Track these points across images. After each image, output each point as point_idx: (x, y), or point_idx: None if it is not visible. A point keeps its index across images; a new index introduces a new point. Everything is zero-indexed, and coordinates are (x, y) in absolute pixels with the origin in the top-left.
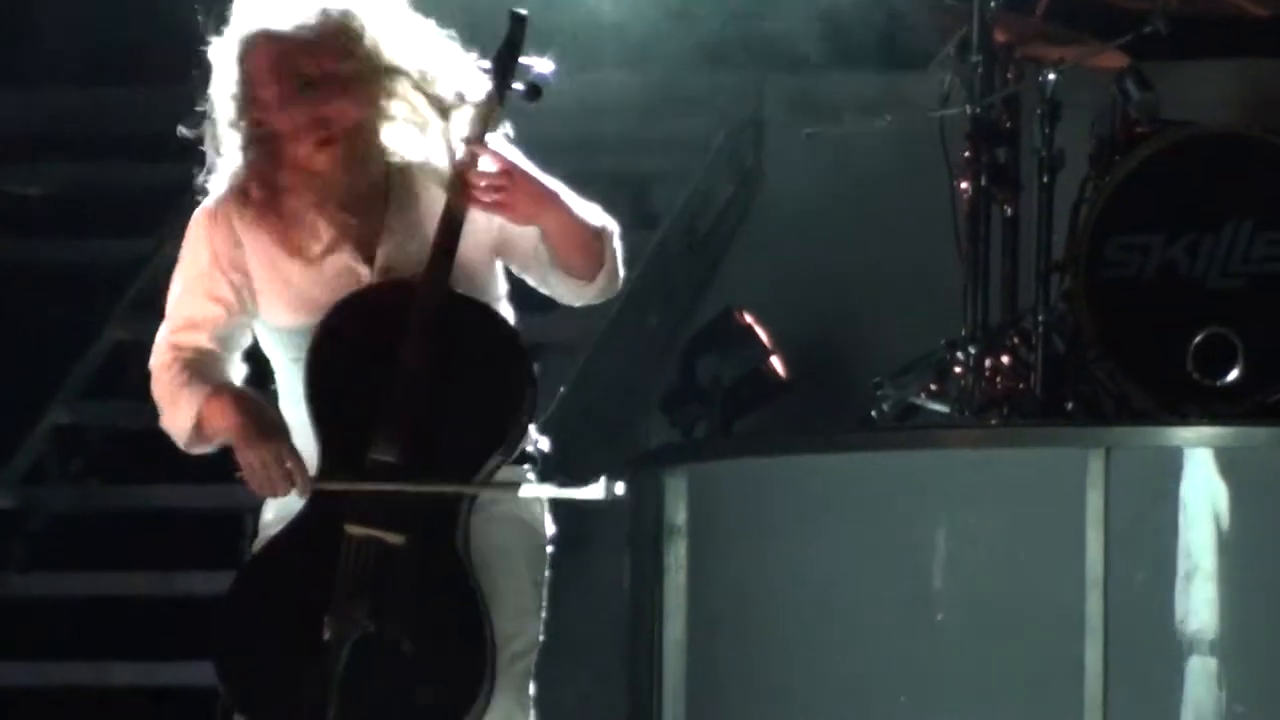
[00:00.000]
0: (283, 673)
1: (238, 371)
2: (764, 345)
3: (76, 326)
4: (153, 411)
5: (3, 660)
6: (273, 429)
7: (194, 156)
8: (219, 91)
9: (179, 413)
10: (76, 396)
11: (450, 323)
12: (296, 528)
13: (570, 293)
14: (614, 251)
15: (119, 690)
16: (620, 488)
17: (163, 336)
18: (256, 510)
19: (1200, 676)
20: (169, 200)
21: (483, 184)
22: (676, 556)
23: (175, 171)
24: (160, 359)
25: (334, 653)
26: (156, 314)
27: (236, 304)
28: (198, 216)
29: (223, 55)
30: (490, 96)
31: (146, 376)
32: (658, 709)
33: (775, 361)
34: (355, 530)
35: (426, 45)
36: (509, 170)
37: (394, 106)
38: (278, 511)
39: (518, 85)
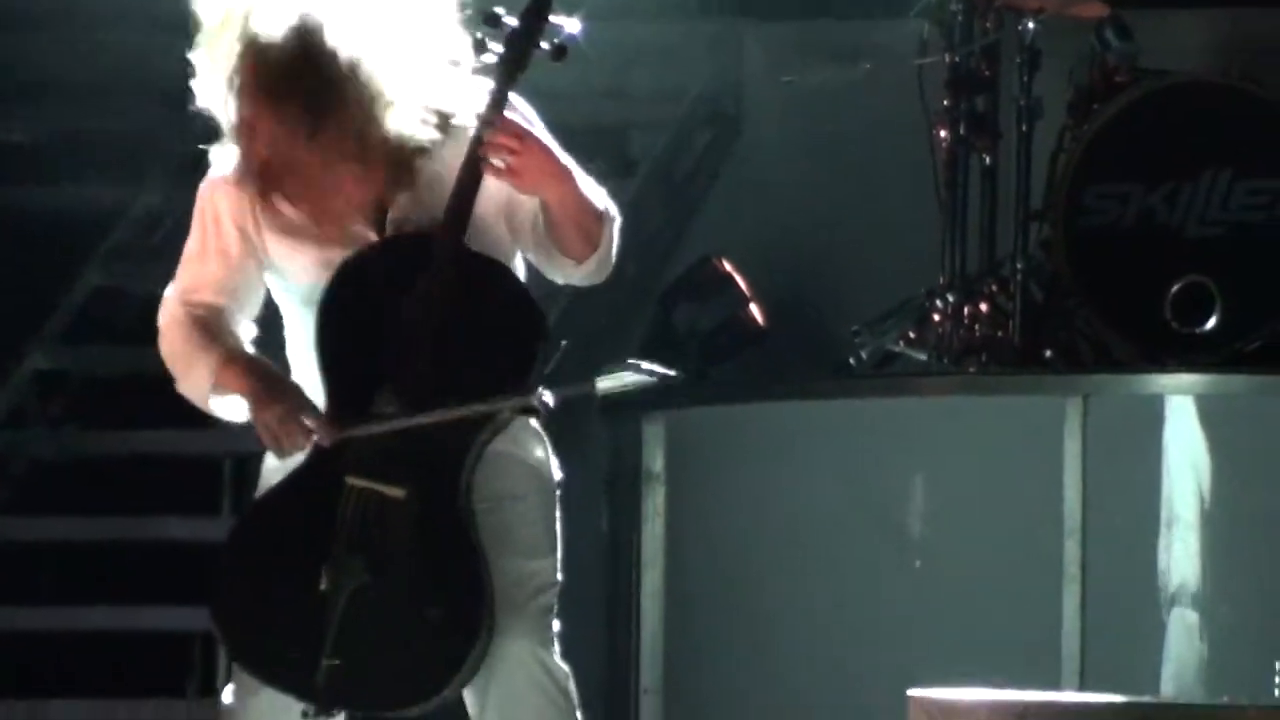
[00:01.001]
0: (278, 622)
1: (248, 330)
2: (742, 293)
3: (56, 272)
4: (131, 356)
5: None
6: (284, 389)
7: (175, 104)
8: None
9: (194, 375)
10: (56, 341)
11: (462, 277)
12: (297, 477)
13: (559, 271)
14: (611, 238)
15: (97, 634)
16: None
17: (173, 293)
18: (235, 456)
19: (1179, 625)
20: (150, 147)
21: (495, 146)
22: (654, 503)
23: (156, 118)
24: (171, 315)
25: (331, 603)
26: (136, 260)
27: (249, 265)
28: (209, 181)
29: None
30: (509, 61)
31: (126, 321)
32: (636, 654)
33: (753, 309)
34: (356, 482)
35: (419, 55)
36: (522, 136)
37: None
38: (277, 459)
39: (544, 45)
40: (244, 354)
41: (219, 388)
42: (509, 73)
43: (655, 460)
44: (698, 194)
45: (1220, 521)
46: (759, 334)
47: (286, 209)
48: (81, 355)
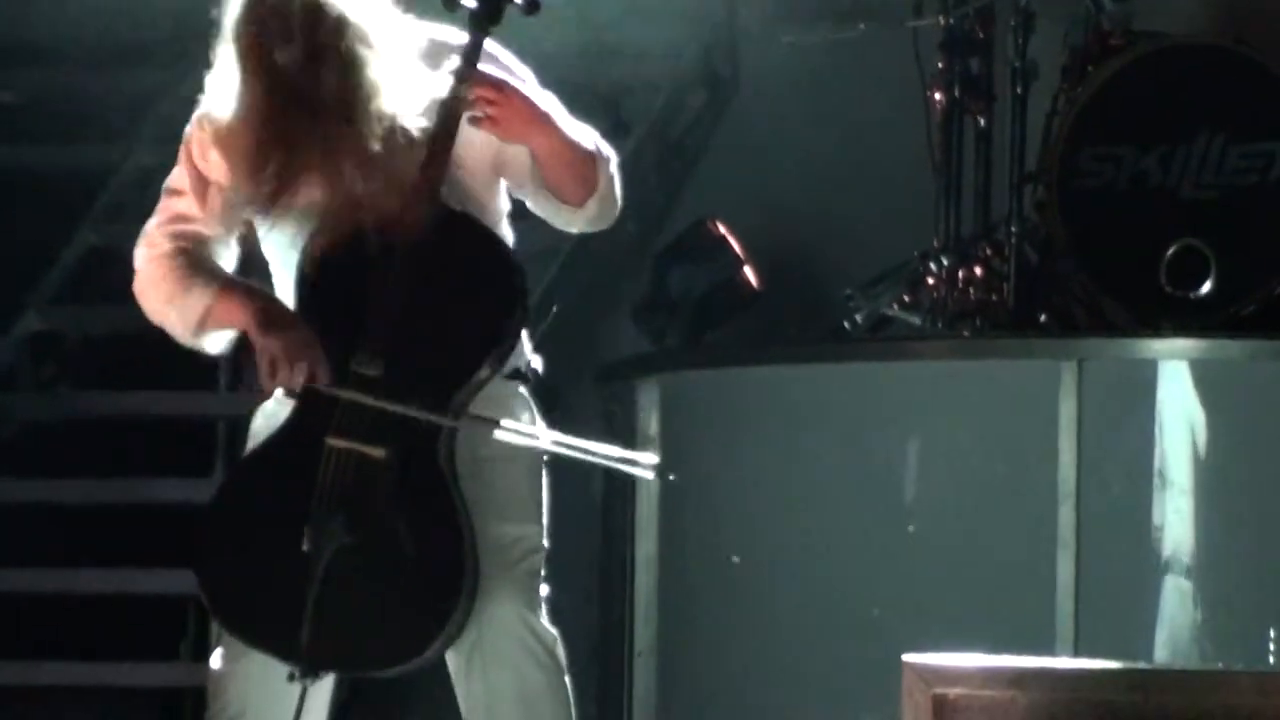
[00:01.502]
0: (260, 582)
1: (231, 259)
2: (736, 255)
3: (50, 232)
4: (126, 317)
5: None
6: (288, 317)
7: (167, 63)
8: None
9: (185, 305)
10: (49, 302)
11: (439, 235)
12: (279, 438)
13: (561, 218)
14: (610, 178)
15: (89, 597)
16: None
17: (154, 224)
18: (229, 418)
19: (1174, 590)
20: (142, 106)
21: (474, 99)
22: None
23: (149, 78)
24: (157, 248)
25: (313, 564)
26: (129, 220)
27: (231, 197)
28: (198, 115)
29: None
30: (481, 15)
31: (119, 282)
32: (630, 622)
33: (747, 271)
34: (336, 442)
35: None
36: (500, 86)
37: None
38: (266, 420)
39: None
40: (243, 282)
41: (213, 319)
42: (481, 25)
43: (650, 424)
44: (692, 156)
45: (1215, 486)
46: (753, 297)
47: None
48: (75, 316)
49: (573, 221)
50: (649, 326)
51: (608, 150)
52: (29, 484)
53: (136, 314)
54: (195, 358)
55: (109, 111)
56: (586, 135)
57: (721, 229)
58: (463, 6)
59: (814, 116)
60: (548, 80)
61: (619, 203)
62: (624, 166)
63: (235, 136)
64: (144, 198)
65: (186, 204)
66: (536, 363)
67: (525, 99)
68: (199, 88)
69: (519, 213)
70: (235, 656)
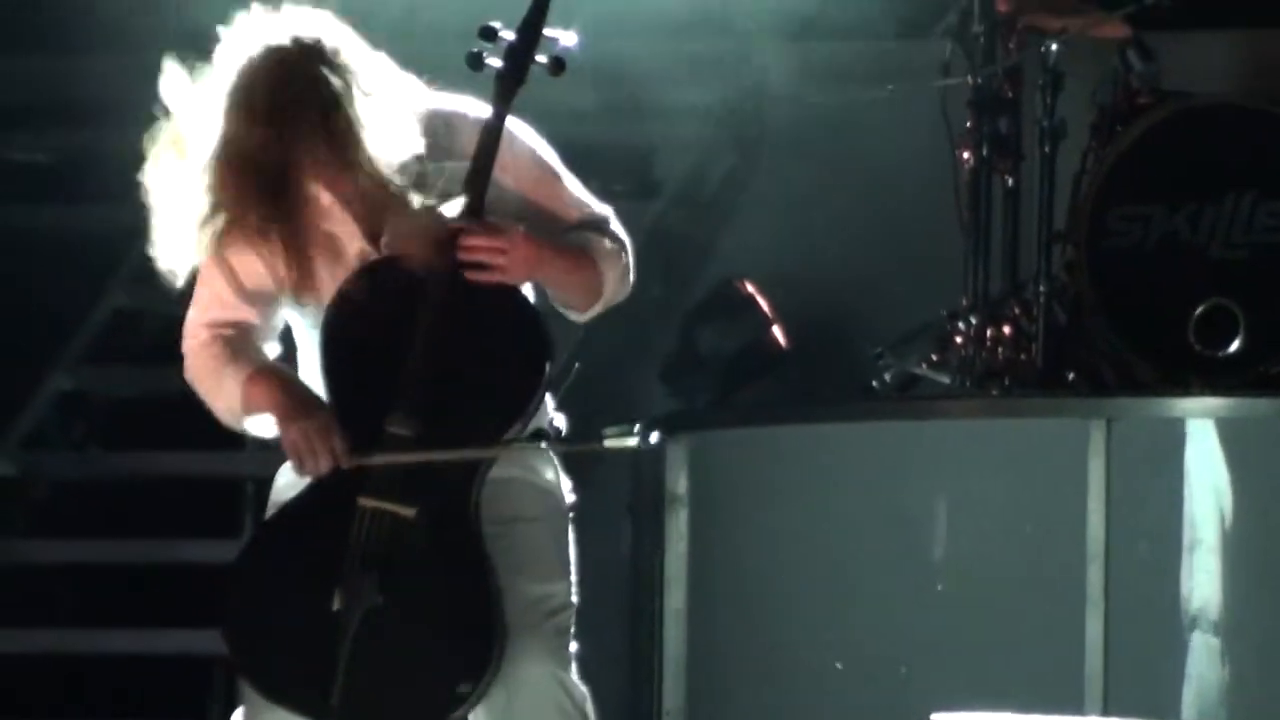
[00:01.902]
0: (290, 641)
1: (273, 349)
2: (765, 315)
3: (78, 292)
4: (154, 378)
5: (3, 627)
6: (313, 405)
7: None
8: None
9: (224, 394)
10: (78, 362)
11: (466, 297)
12: (309, 497)
13: (568, 316)
14: (619, 273)
15: (119, 657)
16: (654, 437)
17: (194, 315)
18: (257, 479)
19: (1202, 649)
20: None
21: (475, 253)
22: (677, 526)
23: None
24: (196, 339)
25: (343, 624)
26: (157, 281)
27: (265, 281)
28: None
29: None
30: (507, 77)
31: (148, 343)
32: (659, 679)
33: (776, 331)
34: (368, 502)
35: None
36: (500, 233)
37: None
38: (288, 478)
39: (541, 58)
40: (272, 368)
41: (248, 406)
42: (508, 86)
43: (678, 483)
44: (721, 215)
45: (1243, 545)
46: (781, 356)
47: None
48: (103, 376)
49: (579, 319)
50: (678, 386)
51: (614, 246)
52: (58, 544)
53: (163, 374)
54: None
55: (137, 172)
56: (601, 236)
57: (750, 288)
58: (489, 67)
59: (842, 176)
60: (578, 139)
61: (630, 285)
62: (653, 226)
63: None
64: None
65: (216, 292)
66: (560, 421)
67: (526, 242)
68: None
69: None
70: (258, 713)
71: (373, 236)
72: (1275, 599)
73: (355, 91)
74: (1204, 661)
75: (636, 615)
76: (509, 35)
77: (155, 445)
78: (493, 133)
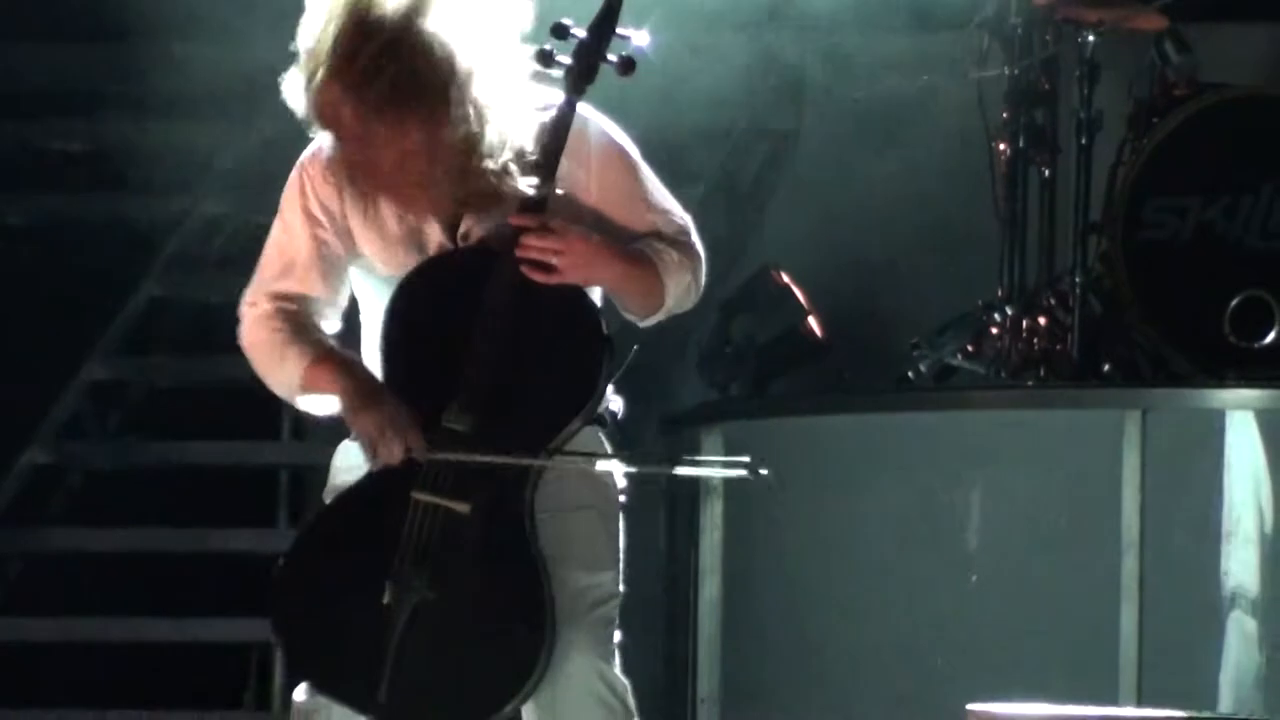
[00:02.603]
0: (339, 633)
1: (333, 325)
2: (800, 305)
3: (114, 282)
4: (189, 368)
5: (40, 615)
6: (381, 393)
7: (232, 116)
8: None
9: (283, 371)
10: (114, 352)
11: (529, 295)
12: (363, 489)
13: (626, 317)
14: (685, 286)
15: (154, 646)
16: (676, 469)
17: (257, 283)
18: (292, 467)
19: (1237, 640)
20: (207, 158)
21: (534, 253)
22: (712, 516)
23: (215, 129)
24: (258, 308)
25: (393, 617)
26: (192, 270)
27: (336, 252)
28: (300, 163)
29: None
30: (577, 74)
31: (183, 332)
32: (694, 668)
33: (812, 321)
34: (422, 496)
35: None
36: (561, 237)
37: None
38: (345, 458)
39: (611, 58)
40: (336, 353)
41: (307, 388)
42: (576, 86)
43: None
44: (758, 206)
45: (1278, 536)
46: (817, 347)
47: (371, 197)
48: (139, 366)
49: (638, 323)
50: (714, 376)
51: (682, 259)
52: (95, 532)
53: (199, 364)
54: (259, 408)
55: (174, 162)
56: (672, 248)
57: (785, 279)
58: (559, 64)
59: (878, 168)
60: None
61: (697, 296)
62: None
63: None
64: (208, 249)
65: (288, 259)
66: (616, 404)
67: (584, 244)
68: (264, 140)
69: None
70: (315, 695)
71: (455, 218)
72: None
73: (467, 61)
74: (1239, 651)
75: (672, 604)
76: (580, 33)
77: (190, 435)
78: (560, 129)
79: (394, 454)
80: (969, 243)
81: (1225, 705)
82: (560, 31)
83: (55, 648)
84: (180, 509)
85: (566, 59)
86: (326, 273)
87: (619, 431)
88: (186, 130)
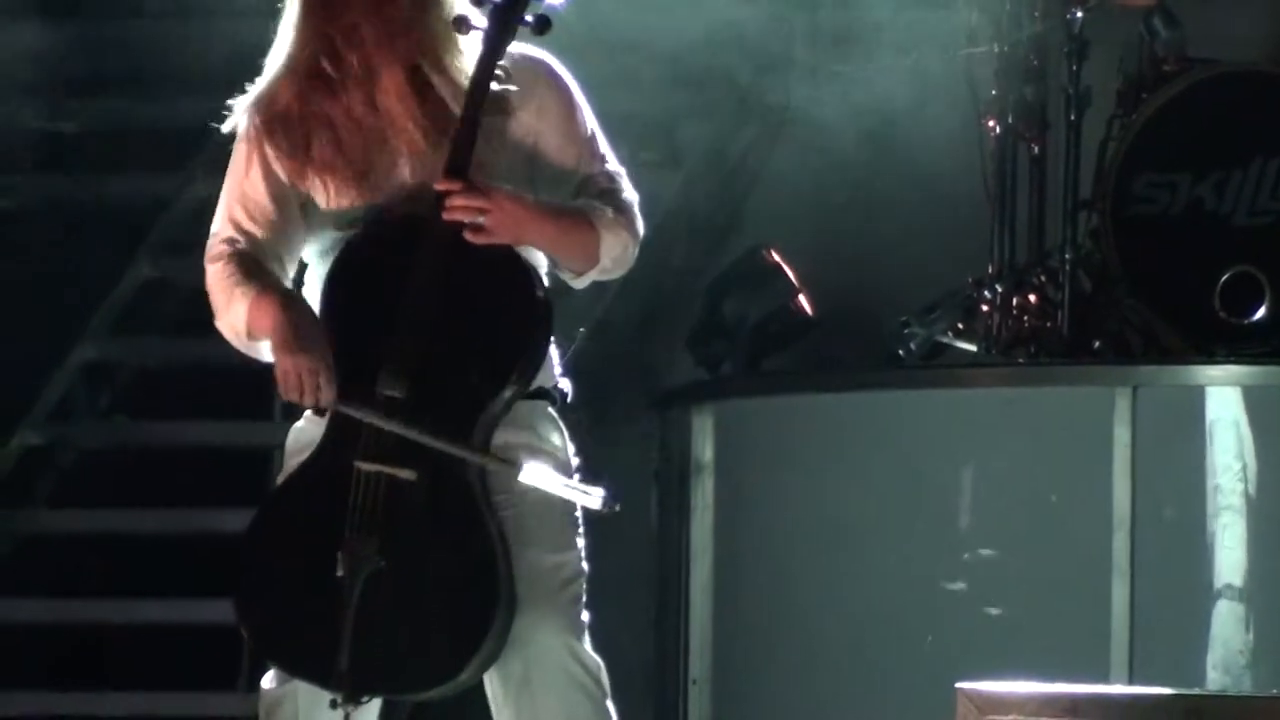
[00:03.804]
0: (297, 609)
1: (291, 267)
2: (790, 283)
3: (105, 263)
4: (181, 349)
5: (32, 596)
6: (310, 338)
7: (224, 94)
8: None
9: (231, 312)
10: (105, 333)
11: (459, 256)
12: (310, 464)
13: (567, 280)
14: (621, 247)
15: (147, 627)
16: (617, 506)
17: (215, 228)
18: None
19: (1228, 615)
20: (197, 137)
21: (460, 213)
22: (703, 494)
23: (205, 108)
24: (214, 253)
25: (348, 589)
26: (183, 251)
27: (290, 194)
28: (248, 109)
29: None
30: (492, 37)
31: (175, 312)
32: (685, 647)
33: (802, 299)
34: (365, 466)
35: None
36: (486, 196)
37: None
38: (297, 438)
39: (526, 17)
40: (280, 290)
41: (253, 328)
42: (492, 48)
43: (704, 451)
44: (746, 184)
45: (1269, 511)
46: (808, 324)
47: (323, 147)
48: (130, 347)
49: (576, 284)
50: (704, 355)
51: (616, 215)
52: (86, 513)
53: (191, 345)
54: (251, 389)
55: (164, 142)
56: (605, 200)
57: (775, 257)
58: (474, 28)
59: (867, 144)
60: (602, 108)
61: (633, 254)
62: (678, 194)
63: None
64: (200, 229)
65: (240, 205)
66: (565, 385)
67: (512, 203)
68: None
69: None
70: (285, 679)
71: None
72: None
73: None
74: (1229, 627)
75: (663, 584)
76: None
77: (183, 416)
78: (478, 90)
79: (309, 397)
80: (958, 220)
81: (1215, 680)
82: None
83: (47, 629)
84: (172, 490)
85: (482, 21)
86: (281, 214)
87: (569, 411)
88: (176, 109)
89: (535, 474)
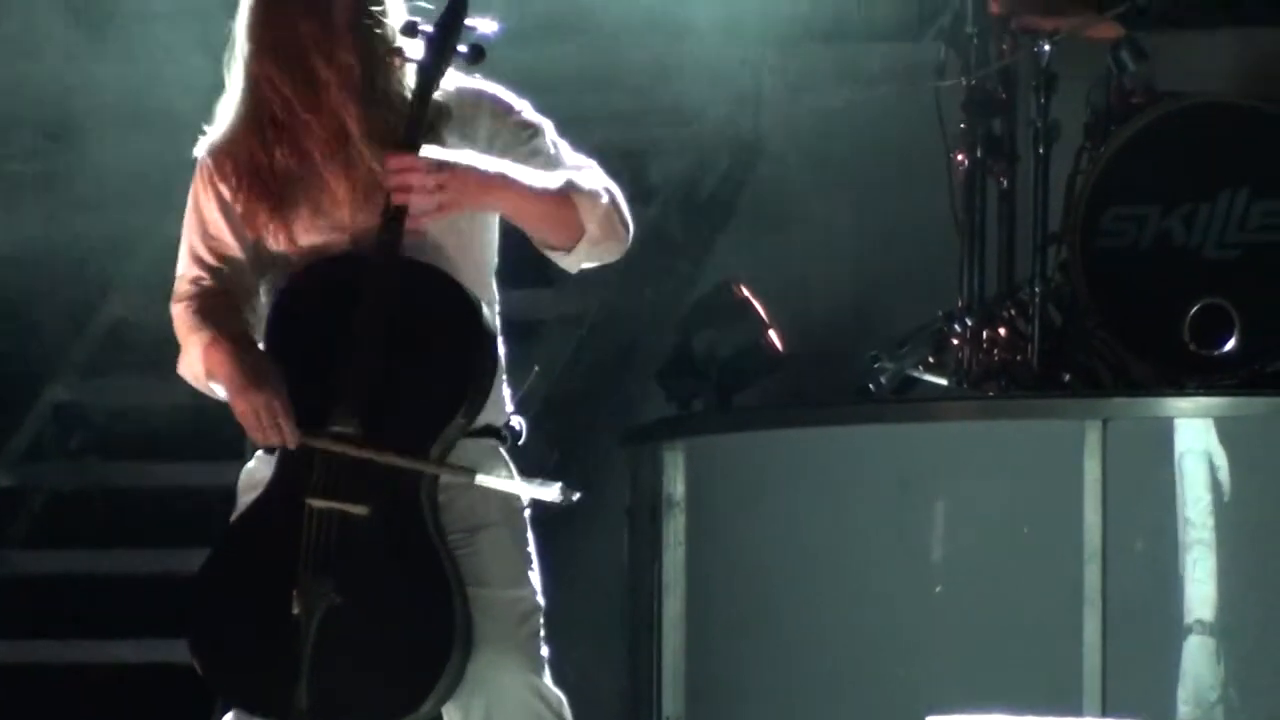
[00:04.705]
0: (253, 649)
1: (260, 299)
2: (761, 318)
3: (76, 304)
4: (152, 390)
5: (4, 638)
6: (264, 378)
7: (195, 134)
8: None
9: (189, 357)
10: (76, 374)
11: (402, 291)
12: (262, 502)
13: (561, 264)
14: (604, 213)
15: (120, 667)
16: (575, 495)
17: (181, 270)
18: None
19: (1199, 648)
20: (167, 177)
21: (410, 184)
22: (675, 530)
23: (173, 148)
24: (178, 293)
25: (303, 626)
26: (155, 292)
27: (240, 228)
28: (199, 159)
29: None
30: (428, 68)
31: (146, 353)
32: (658, 683)
33: (772, 334)
34: (317, 503)
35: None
36: (440, 166)
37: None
38: (249, 478)
39: (460, 48)
40: (235, 335)
41: (209, 370)
42: (428, 81)
43: (676, 487)
44: (717, 218)
45: (1240, 544)
46: (778, 360)
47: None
48: (101, 388)
49: (570, 264)
50: (675, 390)
51: (592, 185)
52: (58, 555)
53: (162, 386)
54: (221, 430)
55: (136, 182)
56: (576, 174)
57: (745, 291)
58: (409, 60)
59: (837, 178)
60: (574, 142)
61: (625, 232)
62: (649, 228)
63: (237, 141)
64: (171, 271)
65: (202, 243)
66: (518, 423)
67: (469, 167)
68: None
69: (547, 278)
70: (247, 716)
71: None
72: (1271, 597)
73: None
74: (1201, 660)
75: (635, 620)
76: (428, 29)
77: (154, 457)
78: (421, 103)
79: (269, 436)
80: (928, 253)
81: (1186, 713)
82: (410, 30)
83: (20, 670)
84: (144, 530)
85: (418, 53)
86: (241, 247)
87: (519, 451)
88: (148, 149)
89: (490, 479)
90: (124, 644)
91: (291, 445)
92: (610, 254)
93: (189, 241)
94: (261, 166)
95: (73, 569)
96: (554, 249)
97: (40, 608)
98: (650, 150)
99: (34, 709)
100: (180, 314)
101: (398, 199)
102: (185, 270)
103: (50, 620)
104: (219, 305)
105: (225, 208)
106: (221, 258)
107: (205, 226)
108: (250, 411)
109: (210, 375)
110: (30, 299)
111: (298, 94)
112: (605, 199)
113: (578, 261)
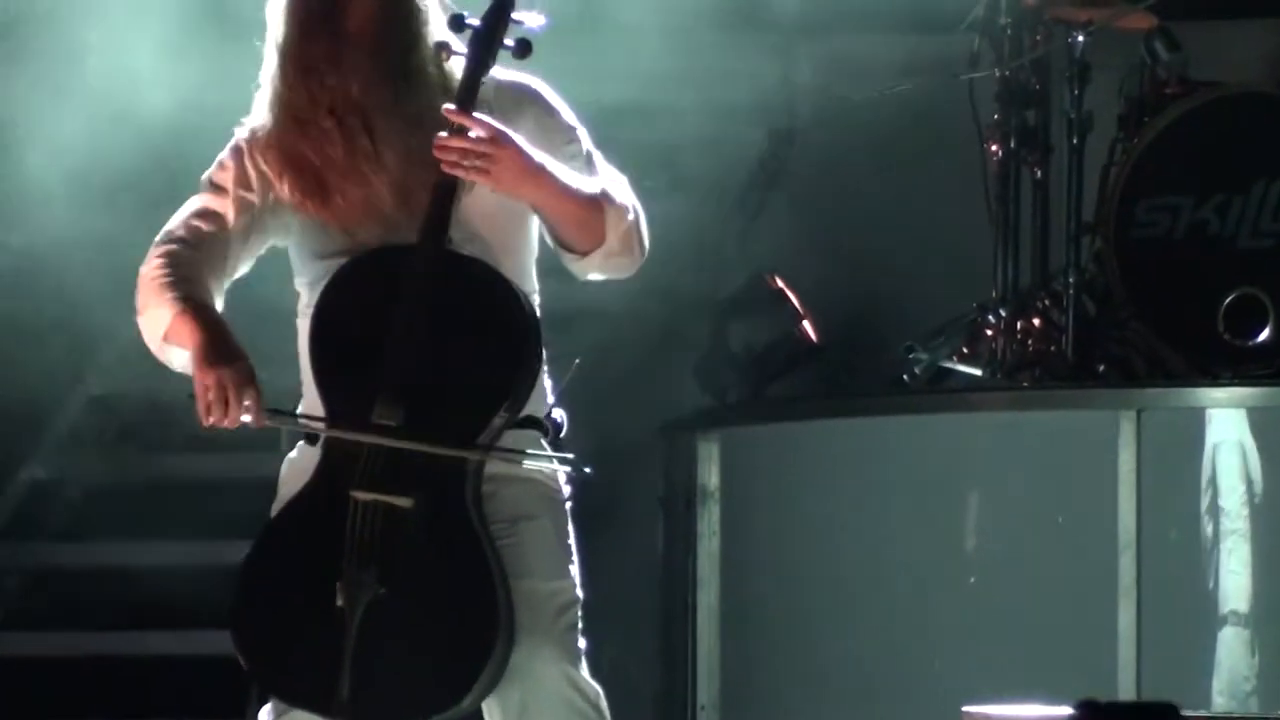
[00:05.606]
0: (297, 641)
1: (227, 281)
2: (795, 309)
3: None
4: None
5: (42, 630)
6: (230, 355)
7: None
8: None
9: (151, 317)
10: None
11: (447, 284)
12: (307, 494)
13: (569, 267)
14: (625, 230)
15: (156, 659)
16: (587, 470)
17: (170, 226)
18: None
19: (1233, 638)
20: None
21: (465, 149)
22: (709, 521)
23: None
24: (159, 244)
25: (347, 618)
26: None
27: (263, 215)
28: (238, 139)
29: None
30: (473, 61)
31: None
32: (692, 674)
33: (807, 325)
34: (361, 495)
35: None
36: (493, 138)
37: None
38: (292, 468)
39: (508, 41)
40: (205, 306)
41: (171, 337)
42: (475, 72)
43: (710, 478)
44: (751, 211)
45: (1274, 534)
46: (812, 350)
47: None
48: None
49: (581, 270)
50: (710, 382)
51: (623, 199)
52: (94, 546)
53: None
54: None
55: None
56: (593, 184)
57: (780, 283)
58: (456, 54)
59: (871, 170)
60: (607, 135)
61: (640, 252)
62: (683, 221)
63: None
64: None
65: (204, 204)
66: (559, 415)
67: (519, 151)
68: None
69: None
70: (284, 710)
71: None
72: None
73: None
74: (1235, 650)
75: (670, 611)
76: (475, 22)
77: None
78: (465, 102)
79: (223, 415)
80: (962, 245)
81: (1221, 702)
82: (457, 24)
83: (58, 662)
84: (180, 522)
85: (463, 48)
86: (243, 227)
87: (571, 438)
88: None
89: (530, 457)
90: (160, 635)
91: (255, 424)
92: (622, 270)
93: (195, 200)
94: (303, 161)
95: (109, 561)
96: (570, 251)
97: (77, 599)
98: (684, 143)
99: (72, 702)
100: (155, 267)
101: (447, 167)
102: (176, 226)
103: (87, 612)
104: (193, 275)
105: (244, 178)
106: (217, 225)
107: (216, 191)
108: (214, 385)
109: (171, 339)
110: (69, 290)
111: (335, 90)
112: (631, 215)
113: (588, 269)
